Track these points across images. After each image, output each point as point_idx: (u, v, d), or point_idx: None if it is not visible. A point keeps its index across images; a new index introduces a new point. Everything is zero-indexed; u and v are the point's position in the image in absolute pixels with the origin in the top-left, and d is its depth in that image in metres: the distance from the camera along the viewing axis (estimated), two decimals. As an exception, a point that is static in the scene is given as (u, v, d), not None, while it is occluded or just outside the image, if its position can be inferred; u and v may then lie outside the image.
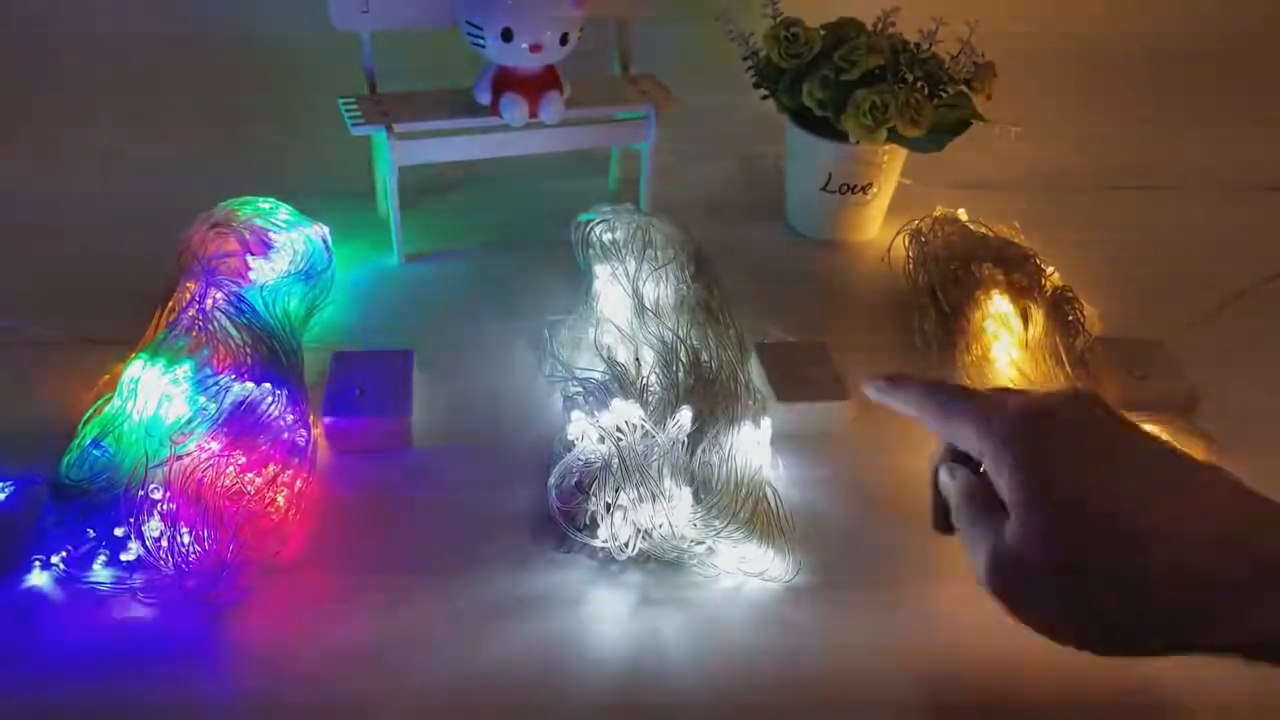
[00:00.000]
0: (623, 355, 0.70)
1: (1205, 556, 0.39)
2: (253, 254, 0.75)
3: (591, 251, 0.79)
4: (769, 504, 0.61)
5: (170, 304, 0.71)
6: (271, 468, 0.59)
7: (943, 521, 0.51)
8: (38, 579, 0.55)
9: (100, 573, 0.55)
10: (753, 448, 0.62)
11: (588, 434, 0.62)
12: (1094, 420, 0.44)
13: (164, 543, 0.54)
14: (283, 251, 0.76)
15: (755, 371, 0.71)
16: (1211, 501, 0.41)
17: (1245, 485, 0.42)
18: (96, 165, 0.93)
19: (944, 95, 0.84)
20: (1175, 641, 0.40)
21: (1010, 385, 0.70)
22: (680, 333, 0.70)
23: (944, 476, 0.50)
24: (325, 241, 0.79)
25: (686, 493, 0.59)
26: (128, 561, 0.55)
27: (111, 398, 0.62)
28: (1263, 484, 0.64)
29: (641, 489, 0.58)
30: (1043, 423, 0.44)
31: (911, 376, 0.53)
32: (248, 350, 0.66)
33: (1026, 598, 0.42)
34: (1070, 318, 0.75)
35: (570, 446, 0.63)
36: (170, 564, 0.54)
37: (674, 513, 0.58)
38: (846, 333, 0.78)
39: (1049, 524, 0.41)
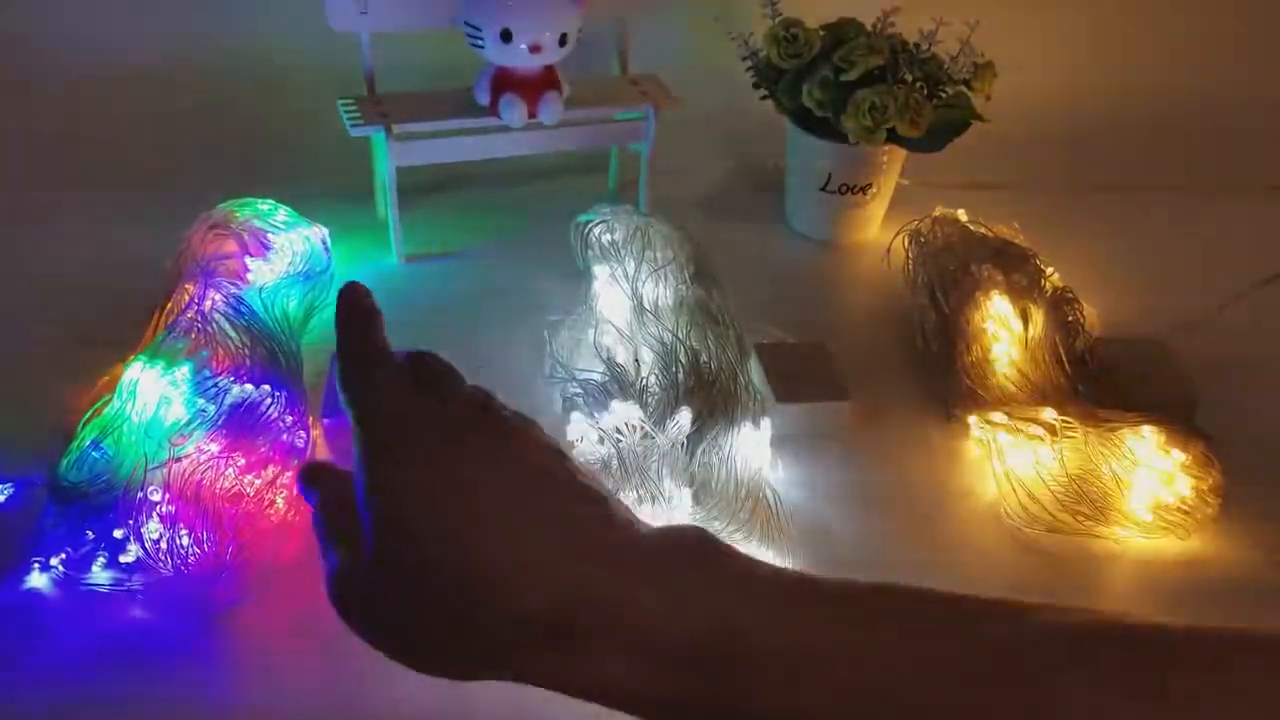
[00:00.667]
0: (622, 356, 0.70)
1: (522, 602, 0.34)
2: (252, 255, 0.75)
3: (591, 252, 0.79)
4: (768, 505, 0.61)
5: (169, 306, 0.71)
6: (271, 469, 0.59)
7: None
8: (37, 580, 0.55)
9: (99, 574, 0.55)
10: (752, 449, 0.62)
11: (587, 435, 0.62)
12: (457, 452, 0.37)
13: (163, 544, 0.54)
14: (282, 253, 0.76)
15: (755, 372, 0.71)
16: (561, 536, 0.35)
17: (629, 529, 0.36)
18: (96, 166, 0.93)
19: (943, 96, 0.84)
20: (487, 667, 0.36)
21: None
22: (680, 334, 0.70)
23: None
24: (324, 242, 0.79)
25: (686, 494, 0.59)
26: (127, 563, 0.55)
27: (111, 399, 0.62)
28: (1263, 485, 0.65)
29: (641, 490, 0.58)
30: (401, 453, 0.37)
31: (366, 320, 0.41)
32: (247, 352, 0.66)
33: (350, 608, 0.37)
34: (1070, 318, 0.75)
35: (570, 448, 0.63)
36: (169, 565, 0.55)
37: (674, 514, 0.58)
38: (846, 333, 0.78)
39: (379, 550, 0.36)
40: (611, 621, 0.34)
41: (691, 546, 0.36)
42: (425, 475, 0.36)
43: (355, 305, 0.41)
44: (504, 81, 0.80)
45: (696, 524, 0.38)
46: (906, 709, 0.32)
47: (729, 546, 0.36)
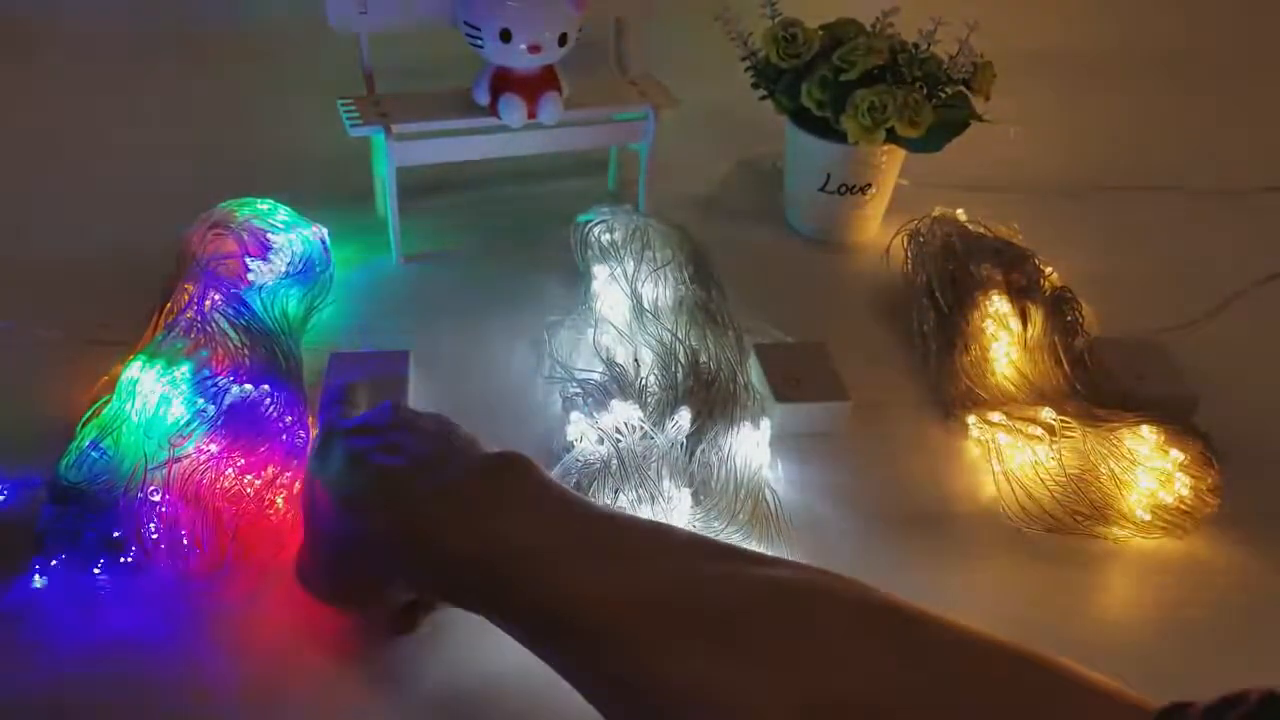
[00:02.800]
0: (621, 356, 0.70)
1: (385, 523, 0.47)
2: (251, 255, 0.75)
3: (590, 252, 0.79)
4: (768, 505, 0.61)
5: (169, 305, 0.71)
6: (270, 469, 0.59)
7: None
8: (36, 581, 0.55)
9: (99, 575, 0.55)
10: (752, 448, 0.62)
11: (587, 435, 0.62)
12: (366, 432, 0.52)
13: (163, 545, 0.54)
14: (281, 252, 0.76)
15: (754, 372, 0.71)
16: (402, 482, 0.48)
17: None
18: (95, 166, 0.93)
19: (943, 96, 0.84)
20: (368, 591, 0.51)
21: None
22: (679, 333, 0.70)
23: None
24: (324, 242, 0.79)
25: (685, 494, 0.59)
26: (126, 564, 0.55)
27: (110, 399, 0.62)
28: (1262, 484, 0.65)
29: (640, 490, 0.58)
30: (325, 439, 0.52)
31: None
32: (246, 352, 0.66)
33: (300, 575, 0.53)
34: (1069, 318, 0.75)
35: (569, 447, 0.63)
36: (169, 566, 0.54)
37: (673, 514, 0.58)
38: (845, 333, 0.78)
39: (306, 513, 0.52)
40: (426, 529, 0.46)
41: (496, 469, 0.48)
42: (325, 453, 0.51)
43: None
44: (503, 81, 0.80)
45: (517, 451, 0.50)
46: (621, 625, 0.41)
47: (531, 471, 0.48)
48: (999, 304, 0.74)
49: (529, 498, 0.47)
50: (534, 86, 0.80)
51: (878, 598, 0.40)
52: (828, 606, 0.40)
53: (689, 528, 0.58)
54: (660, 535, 0.46)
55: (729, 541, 0.45)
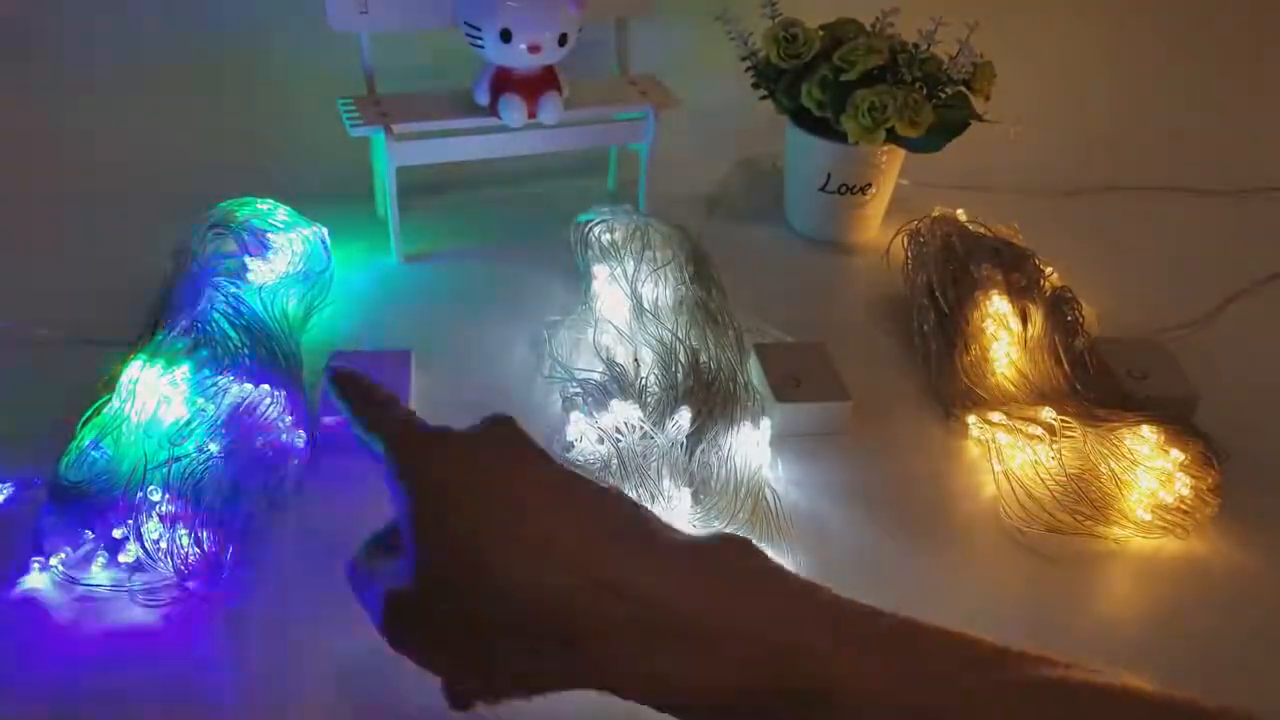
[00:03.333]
0: (621, 356, 0.70)
1: (568, 600, 0.37)
2: (251, 255, 0.75)
3: (590, 252, 0.79)
4: (768, 505, 0.61)
5: (169, 305, 0.71)
6: (270, 469, 0.59)
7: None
8: (36, 581, 0.55)
9: (99, 574, 0.55)
10: (752, 448, 0.62)
11: (587, 435, 0.62)
12: (490, 453, 0.42)
13: (163, 544, 0.54)
14: (281, 252, 0.76)
15: (754, 372, 0.71)
16: (589, 539, 0.39)
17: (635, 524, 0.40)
18: (96, 165, 0.93)
19: (942, 96, 0.84)
20: (541, 683, 0.40)
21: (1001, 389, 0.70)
22: (679, 333, 0.70)
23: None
24: (324, 242, 0.79)
25: (685, 494, 0.59)
26: (126, 563, 0.55)
27: (110, 399, 0.62)
28: (1262, 484, 0.65)
29: (640, 490, 0.58)
30: (434, 454, 0.42)
31: (364, 384, 0.47)
32: (246, 351, 0.66)
33: (401, 632, 0.41)
34: (1069, 318, 0.75)
35: (569, 447, 0.63)
36: (169, 565, 0.55)
37: (673, 514, 0.58)
38: (845, 333, 0.78)
39: (420, 558, 0.39)
40: (659, 619, 0.37)
41: (735, 548, 0.40)
42: (461, 476, 0.40)
43: (350, 375, 0.46)
44: (504, 81, 0.80)
45: (739, 534, 0.42)
46: None
47: (767, 556, 0.40)
48: (999, 304, 0.74)
49: (785, 589, 0.39)
50: (534, 86, 0.80)
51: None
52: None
53: (689, 528, 0.58)
54: (961, 645, 0.39)
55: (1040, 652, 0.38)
